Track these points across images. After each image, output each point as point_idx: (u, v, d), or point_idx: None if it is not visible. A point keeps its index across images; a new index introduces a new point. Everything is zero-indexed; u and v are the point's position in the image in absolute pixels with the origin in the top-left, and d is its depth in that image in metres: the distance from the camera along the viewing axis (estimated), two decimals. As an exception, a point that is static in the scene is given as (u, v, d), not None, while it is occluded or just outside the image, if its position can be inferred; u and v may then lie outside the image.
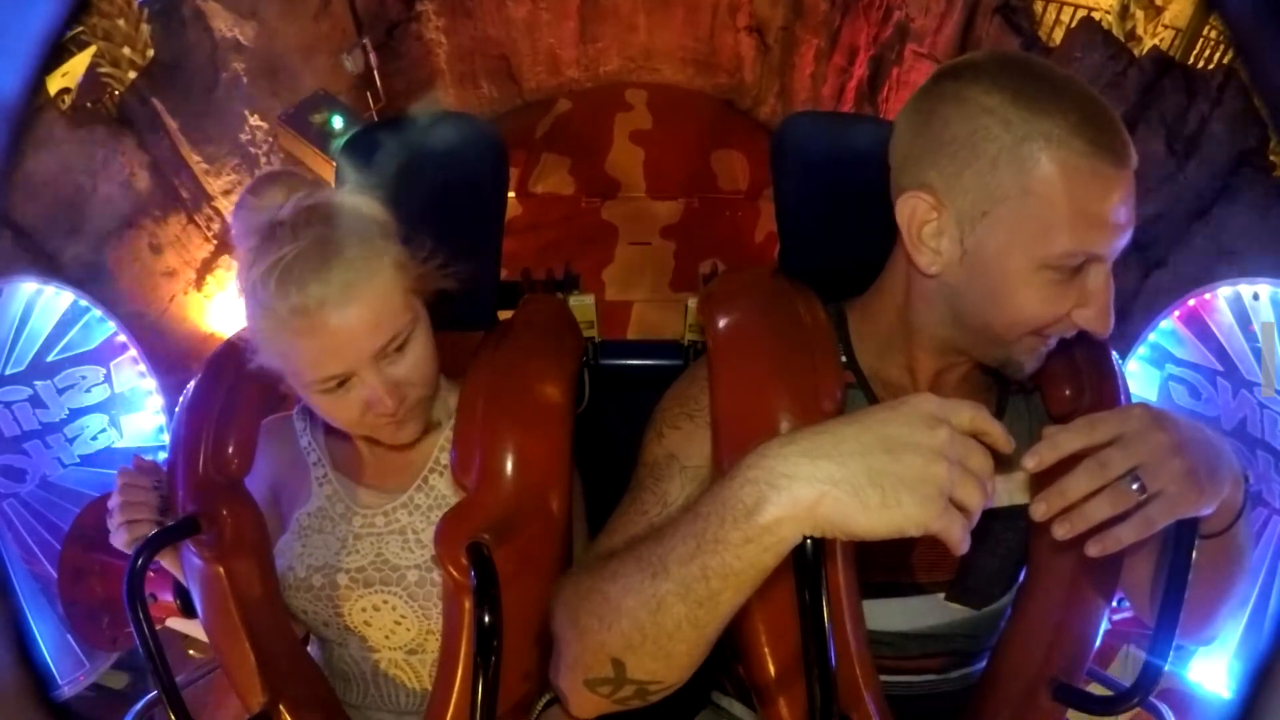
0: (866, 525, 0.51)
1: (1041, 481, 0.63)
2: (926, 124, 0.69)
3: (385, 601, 0.87)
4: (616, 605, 0.60)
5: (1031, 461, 0.61)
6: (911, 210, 0.70)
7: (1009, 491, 0.78)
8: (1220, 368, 1.76)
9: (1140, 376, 1.87)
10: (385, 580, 0.87)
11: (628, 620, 0.59)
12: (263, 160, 3.02)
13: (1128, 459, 0.60)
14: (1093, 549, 0.62)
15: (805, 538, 0.53)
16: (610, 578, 0.61)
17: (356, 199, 0.79)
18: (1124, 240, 0.67)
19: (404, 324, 0.77)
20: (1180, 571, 0.66)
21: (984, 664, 0.86)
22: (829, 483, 0.51)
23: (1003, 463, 0.58)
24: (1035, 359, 0.73)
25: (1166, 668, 0.68)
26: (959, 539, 0.52)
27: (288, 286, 0.71)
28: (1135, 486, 0.60)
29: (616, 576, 0.61)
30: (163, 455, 0.91)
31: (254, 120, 2.98)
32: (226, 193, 2.89)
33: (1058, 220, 0.64)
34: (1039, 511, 0.62)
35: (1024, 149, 0.64)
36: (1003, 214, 0.66)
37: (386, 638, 0.89)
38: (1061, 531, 0.61)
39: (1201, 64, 2.52)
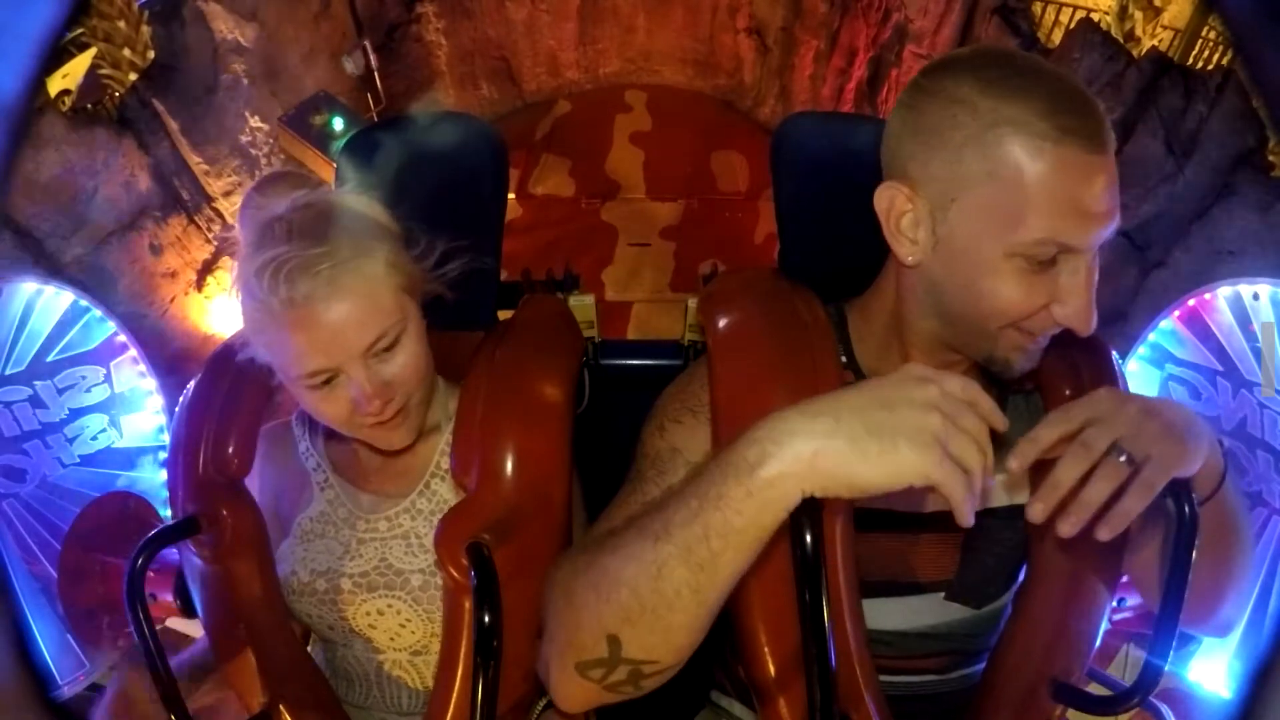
0: (867, 475, 0.52)
1: (1039, 482, 0.63)
2: (904, 118, 0.70)
3: (390, 605, 0.88)
4: (615, 575, 0.59)
5: (1014, 462, 0.62)
6: (889, 201, 0.71)
7: (1007, 490, 0.78)
8: (1220, 368, 1.76)
9: (1140, 376, 1.87)
10: (389, 585, 0.87)
11: (626, 589, 0.58)
12: (263, 162, 3.03)
13: (1107, 434, 0.61)
14: (1103, 533, 0.61)
15: (804, 522, 0.53)
16: (610, 550, 0.61)
17: (354, 198, 0.79)
18: (1103, 232, 0.65)
19: (392, 323, 0.77)
20: (1182, 560, 0.65)
21: (984, 664, 0.86)
22: (827, 435, 0.52)
23: (1000, 458, 0.58)
24: (1024, 357, 0.72)
25: (1166, 668, 0.68)
26: (962, 498, 0.52)
27: (278, 280, 0.72)
28: (1123, 459, 0.61)
29: (617, 548, 0.61)
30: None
31: (254, 122, 2.98)
32: (227, 194, 2.89)
33: (1024, 206, 0.64)
34: (1037, 512, 0.61)
35: (989, 134, 0.64)
36: (970, 201, 0.66)
37: (391, 640, 0.89)
38: (1068, 528, 0.61)
39: (1200, 64, 2.52)
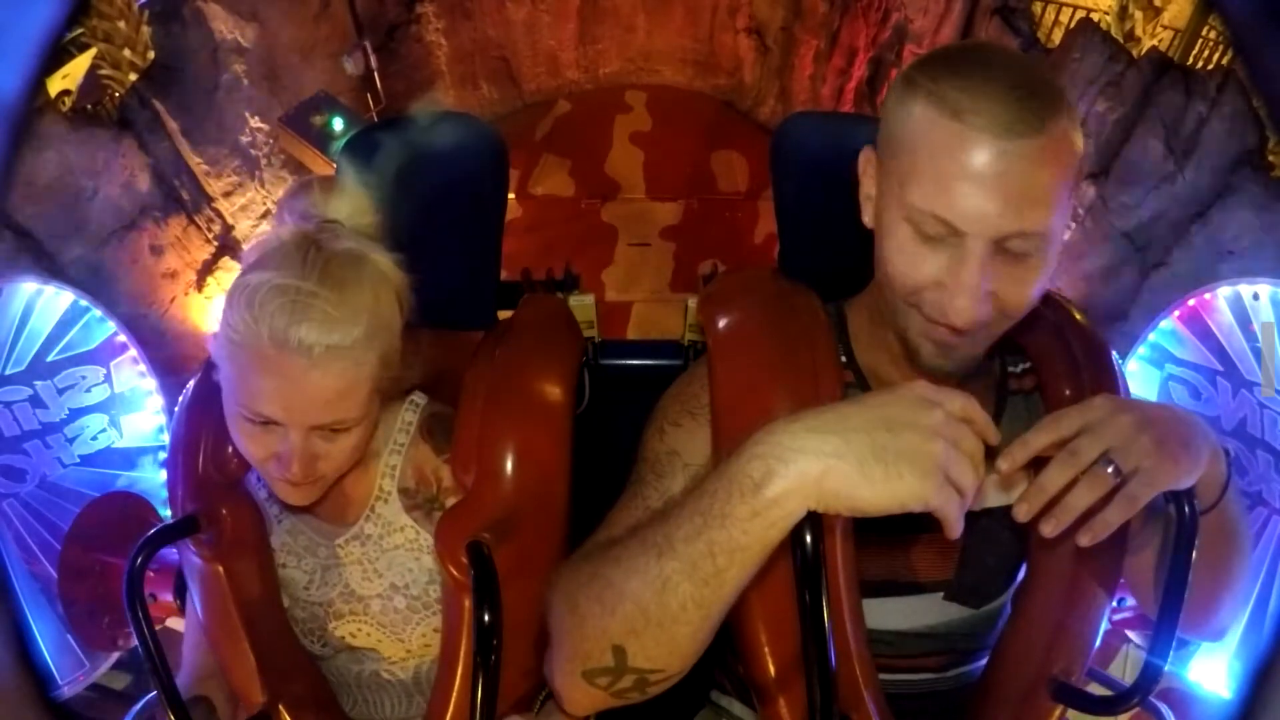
0: (870, 497, 0.53)
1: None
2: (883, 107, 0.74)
3: (360, 629, 0.88)
4: (620, 588, 0.59)
5: (1005, 463, 0.62)
6: (862, 166, 0.75)
7: (1006, 490, 0.78)
8: (1220, 368, 1.76)
9: (1140, 376, 1.87)
10: (354, 611, 0.88)
11: (631, 603, 0.58)
12: (264, 162, 3.03)
13: (1097, 444, 0.61)
14: (1083, 539, 0.62)
15: (805, 525, 0.53)
16: (614, 562, 0.61)
17: (394, 270, 0.76)
18: (996, 224, 0.62)
19: (353, 418, 0.74)
20: (1182, 561, 0.65)
21: (983, 663, 0.86)
22: (834, 456, 0.53)
23: (992, 458, 0.58)
24: (935, 350, 0.70)
25: (1166, 668, 0.68)
26: (955, 518, 0.54)
27: (284, 313, 0.68)
28: (1110, 470, 0.61)
29: (620, 560, 0.61)
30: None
31: (255, 122, 2.98)
32: (227, 194, 2.89)
33: (914, 171, 0.65)
34: (1022, 512, 0.62)
35: (909, 99, 0.66)
36: (888, 162, 0.69)
37: (369, 652, 0.90)
38: (1049, 529, 0.62)
39: (1200, 64, 2.52)
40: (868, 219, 0.74)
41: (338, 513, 0.87)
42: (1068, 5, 2.90)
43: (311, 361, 0.69)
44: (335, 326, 0.69)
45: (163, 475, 1.97)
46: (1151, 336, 1.88)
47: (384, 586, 0.86)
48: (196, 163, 2.76)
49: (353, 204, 0.77)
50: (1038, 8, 2.96)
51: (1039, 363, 0.82)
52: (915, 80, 0.67)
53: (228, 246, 2.89)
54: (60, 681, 1.77)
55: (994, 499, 0.78)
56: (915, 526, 0.79)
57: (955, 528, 0.54)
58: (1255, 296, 1.72)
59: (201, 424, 0.85)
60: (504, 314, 0.98)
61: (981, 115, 0.62)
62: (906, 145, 0.66)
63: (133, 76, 2.57)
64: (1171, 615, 0.66)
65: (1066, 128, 0.64)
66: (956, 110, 0.63)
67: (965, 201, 0.63)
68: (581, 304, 1.18)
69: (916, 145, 0.65)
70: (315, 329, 0.68)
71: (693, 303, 1.13)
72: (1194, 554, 0.65)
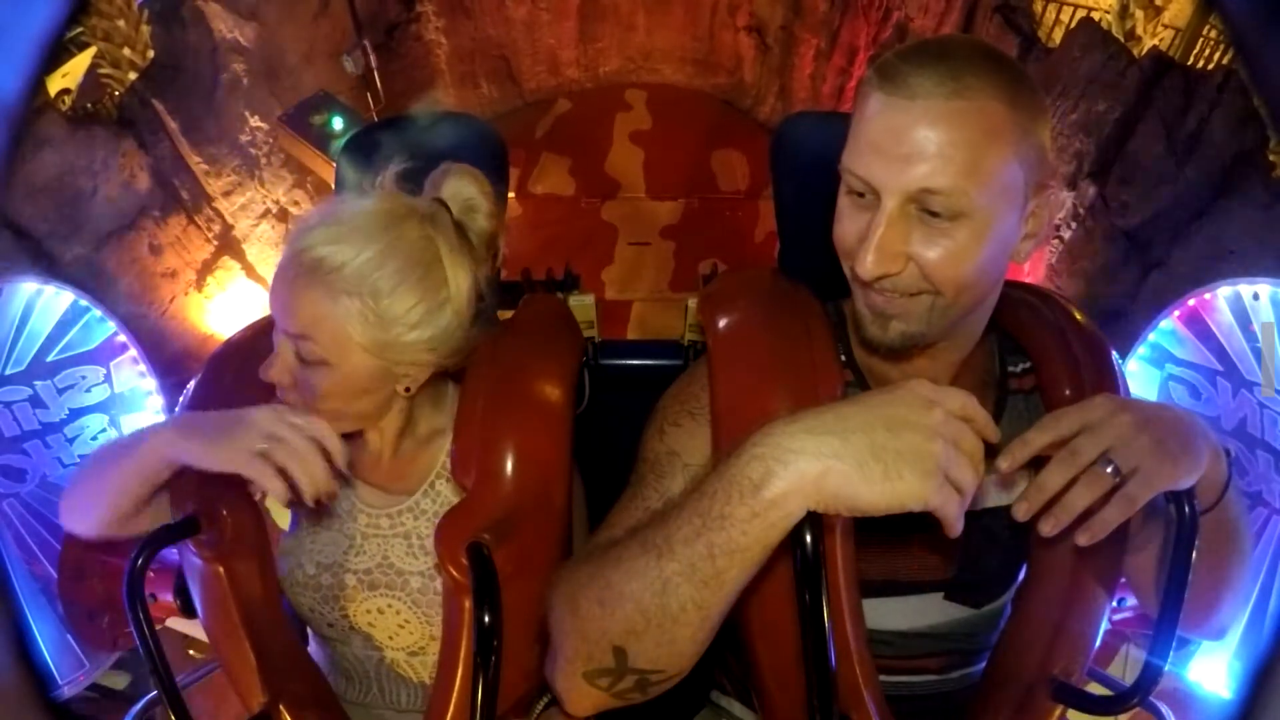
0: (870, 498, 0.53)
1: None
2: None
3: (389, 605, 0.88)
4: (620, 590, 0.59)
5: (1005, 462, 0.62)
6: None
7: (1007, 489, 0.78)
8: (1220, 368, 1.76)
9: (1140, 376, 1.87)
10: (390, 584, 0.87)
11: (631, 604, 0.59)
12: (263, 161, 3.02)
13: (1097, 444, 0.61)
14: (1082, 538, 0.63)
15: (805, 525, 0.53)
16: (613, 563, 0.61)
17: (453, 256, 0.78)
18: (907, 180, 0.64)
19: (316, 347, 0.75)
20: (1182, 561, 0.65)
21: (983, 664, 0.86)
22: (834, 457, 0.53)
23: (992, 457, 0.58)
24: (872, 317, 0.71)
25: (1166, 668, 0.68)
26: (954, 517, 0.54)
27: (307, 220, 0.75)
28: (1109, 469, 0.61)
29: (620, 561, 0.61)
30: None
31: (254, 121, 2.98)
32: (227, 194, 2.89)
33: (850, 136, 0.69)
34: (1021, 511, 0.62)
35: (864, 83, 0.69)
36: None
37: (390, 638, 0.90)
38: (1048, 528, 0.62)
39: (1201, 64, 2.52)
40: None
41: (396, 482, 0.89)
42: (1068, 4, 2.90)
43: (300, 266, 0.74)
44: (333, 244, 0.74)
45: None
46: (1151, 336, 1.87)
47: (429, 564, 0.86)
48: (196, 162, 2.76)
49: (472, 188, 0.82)
50: (1038, 6, 2.95)
51: (1039, 362, 0.82)
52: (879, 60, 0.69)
53: (227, 246, 2.89)
54: (60, 681, 1.77)
55: (994, 498, 0.78)
56: (915, 526, 0.79)
57: (955, 527, 0.54)
58: (1255, 296, 1.72)
59: (202, 424, 0.85)
60: (504, 314, 0.98)
61: (896, 80, 0.64)
62: (854, 116, 0.69)
63: (132, 75, 2.57)
64: (1171, 615, 0.66)
65: (994, 106, 0.63)
66: (883, 78, 0.65)
67: (874, 157, 0.65)
68: (581, 304, 1.19)
69: (855, 112, 0.68)
70: (314, 235, 0.74)
71: (693, 303, 1.13)
72: (1194, 554, 0.65)
